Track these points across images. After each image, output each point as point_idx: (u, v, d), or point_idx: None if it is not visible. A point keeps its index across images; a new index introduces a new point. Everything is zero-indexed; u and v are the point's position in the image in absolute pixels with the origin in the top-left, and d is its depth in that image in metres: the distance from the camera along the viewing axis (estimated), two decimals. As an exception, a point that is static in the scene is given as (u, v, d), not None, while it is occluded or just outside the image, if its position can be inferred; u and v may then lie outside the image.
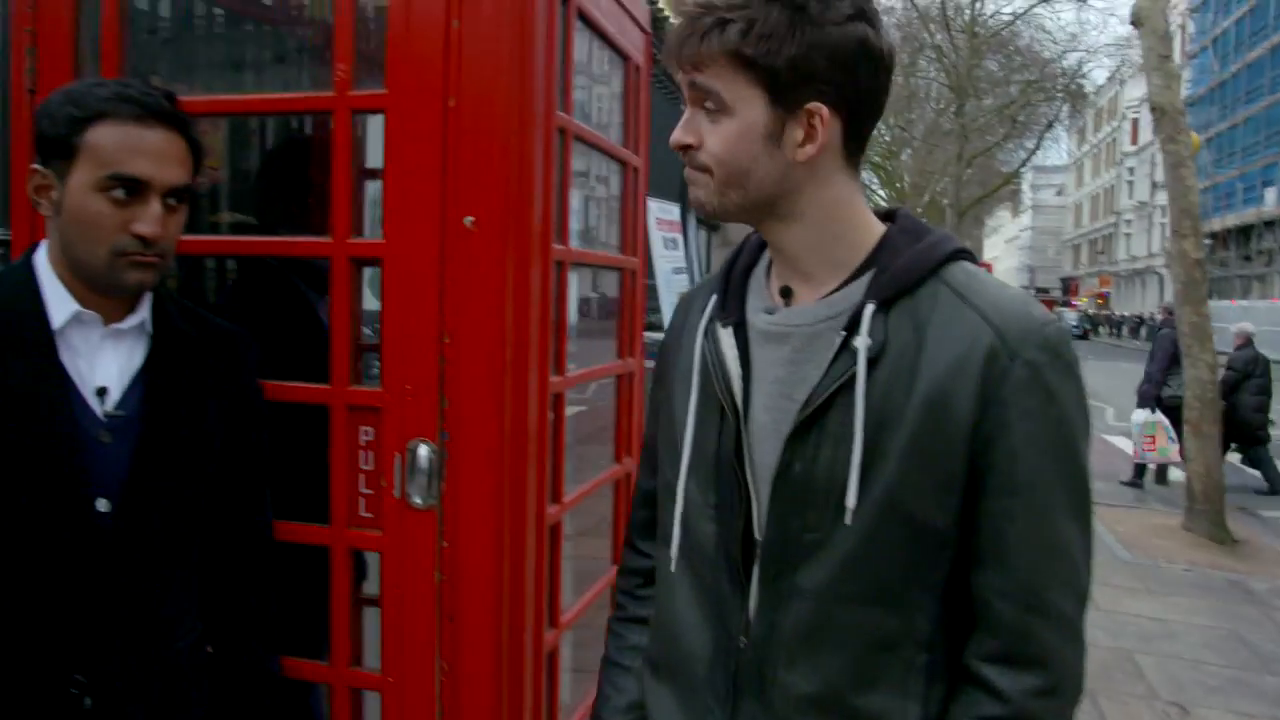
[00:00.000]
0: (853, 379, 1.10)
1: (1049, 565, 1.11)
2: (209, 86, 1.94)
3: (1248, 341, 10.06)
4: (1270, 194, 36.29)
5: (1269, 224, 37.34)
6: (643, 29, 2.28)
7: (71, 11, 1.76)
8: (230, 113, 1.70)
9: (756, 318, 1.23)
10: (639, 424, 2.40)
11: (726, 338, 1.22)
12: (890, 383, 1.09)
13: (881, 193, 45.67)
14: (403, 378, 1.62)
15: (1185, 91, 47.30)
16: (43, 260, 1.45)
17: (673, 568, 1.26)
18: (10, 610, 1.37)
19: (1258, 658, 5.27)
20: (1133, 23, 8.24)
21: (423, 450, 1.62)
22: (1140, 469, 10.10)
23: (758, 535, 1.18)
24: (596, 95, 2.51)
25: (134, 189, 1.38)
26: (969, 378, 1.07)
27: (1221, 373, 8.75)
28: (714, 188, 1.16)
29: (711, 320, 1.26)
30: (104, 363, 1.44)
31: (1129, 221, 61.51)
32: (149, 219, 1.38)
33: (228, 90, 1.80)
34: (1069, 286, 76.62)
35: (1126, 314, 53.53)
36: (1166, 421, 9.42)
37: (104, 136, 1.37)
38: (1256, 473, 10.07)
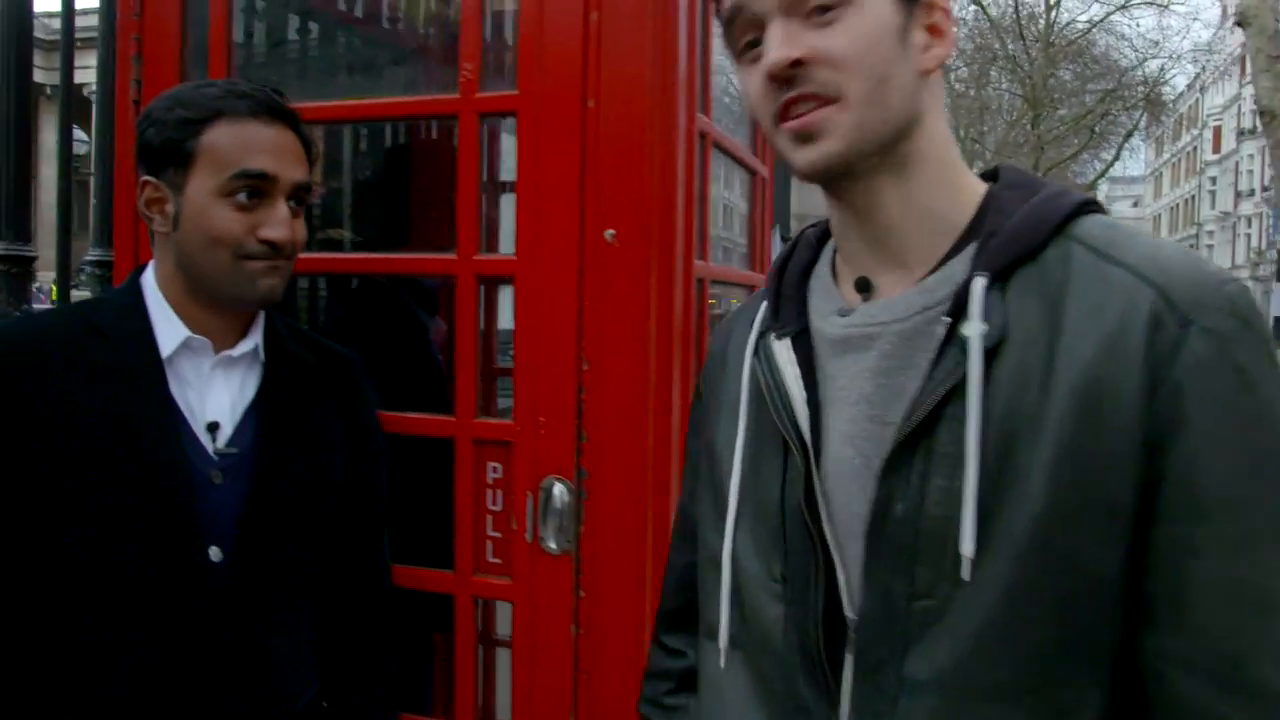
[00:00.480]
0: (964, 380, 0.80)
1: (1253, 623, 0.77)
2: (318, 94, 1.83)
3: None
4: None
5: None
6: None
7: (178, 18, 1.65)
8: (348, 119, 1.57)
9: (826, 323, 0.92)
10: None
11: (784, 351, 0.92)
12: (1018, 379, 0.79)
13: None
14: (536, 408, 1.46)
15: (1271, 98, 45.58)
16: (150, 283, 1.32)
17: (721, 665, 0.95)
18: (115, 666, 1.23)
19: None
20: (1238, 23, 7.89)
21: (558, 489, 1.45)
22: None
23: (848, 612, 0.86)
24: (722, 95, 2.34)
25: (258, 191, 1.26)
26: (1129, 357, 0.77)
27: None
28: (851, 114, 0.82)
29: (763, 334, 0.96)
30: (215, 394, 1.31)
31: (1211, 233, 59.61)
32: (277, 221, 1.26)
33: (337, 97, 1.67)
34: (1148, 301, 74.43)
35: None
36: None
37: (221, 136, 1.25)
38: None
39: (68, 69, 2.47)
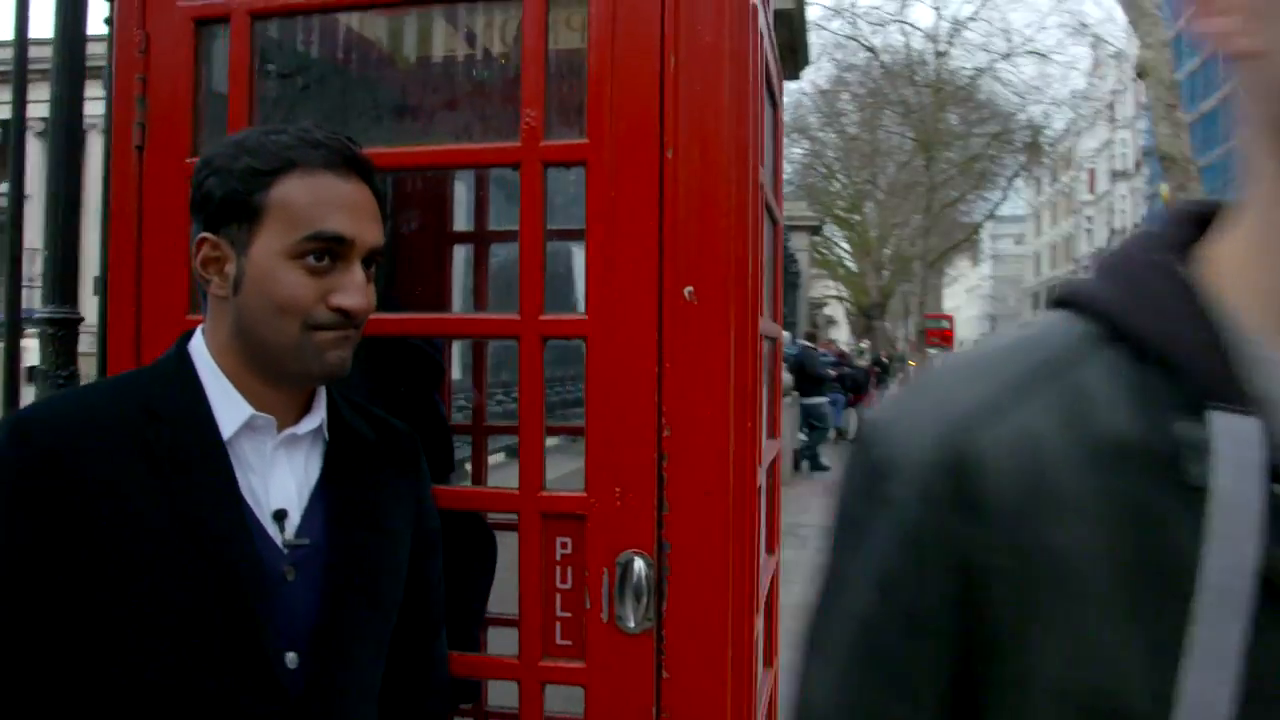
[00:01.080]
0: None
1: None
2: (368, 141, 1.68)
3: None
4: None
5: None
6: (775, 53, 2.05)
7: (190, 56, 1.51)
8: (391, 168, 1.44)
9: None
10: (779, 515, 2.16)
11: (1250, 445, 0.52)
12: None
13: (845, 245, 46.20)
14: (612, 478, 1.36)
15: (1142, 143, 48.42)
16: (202, 352, 1.17)
17: None
18: None
19: None
20: (1138, 75, 8.27)
21: (638, 564, 1.35)
22: None
23: None
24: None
25: (332, 254, 1.11)
26: None
27: None
28: None
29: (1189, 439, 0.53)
30: (279, 479, 1.16)
31: (1088, 269, 62.56)
32: (353, 288, 1.11)
33: (379, 144, 1.54)
34: (1032, 334, 77.62)
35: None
36: None
37: (295, 190, 1.10)
38: None
39: (20, 103, 2.26)
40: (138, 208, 1.54)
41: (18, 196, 2.22)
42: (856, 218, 43.51)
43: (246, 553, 1.09)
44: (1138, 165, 51.19)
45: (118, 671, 1.05)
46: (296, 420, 1.18)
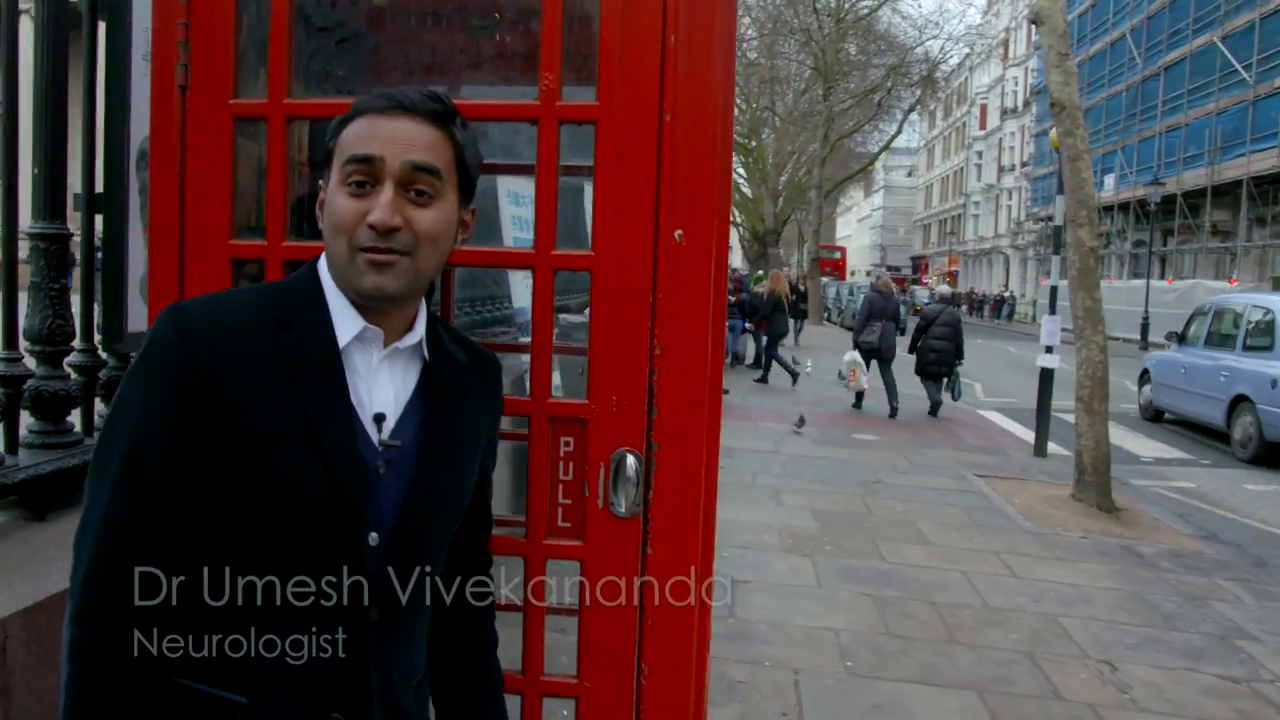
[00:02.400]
0: None
1: None
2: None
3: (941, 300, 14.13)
4: (1109, 180, 38.80)
5: (1107, 209, 39.94)
6: None
7: (232, 4, 1.68)
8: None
9: None
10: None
11: None
12: None
13: (742, 171, 46.60)
14: (611, 389, 1.64)
15: (1033, 81, 49.92)
16: (325, 270, 1.37)
17: None
18: (273, 643, 1.31)
19: (1161, 616, 5.76)
20: (1033, 22, 8.68)
21: (630, 460, 1.64)
22: (859, 396, 13.81)
23: None
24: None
25: (367, 177, 1.29)
26: None
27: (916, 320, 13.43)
28: None
29: None
30: (381, 387, 1.37)
31: (977, 203, 64.66)
32: (379, 206, 1.27)
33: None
34: (919, 265, 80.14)
35: (988, 293, 56.27)
36: (861, 361, 13.69)
37: (350, 130, 1.31)
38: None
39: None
40: (180, 143, 1.70)
41: (11, 110, 2.31)
42: (754, 144, 43.88)
43: (348, 450, 1.31)
44: (1027, 104, 52.82)
45: (237, 536, 1.30)
46: (400, 337, 1.39)
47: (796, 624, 5.25)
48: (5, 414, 2.29)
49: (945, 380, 13.40)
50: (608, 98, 1.60)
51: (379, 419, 1.35)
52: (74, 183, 2.52)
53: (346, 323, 1.35)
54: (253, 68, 1.69)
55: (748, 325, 18.40)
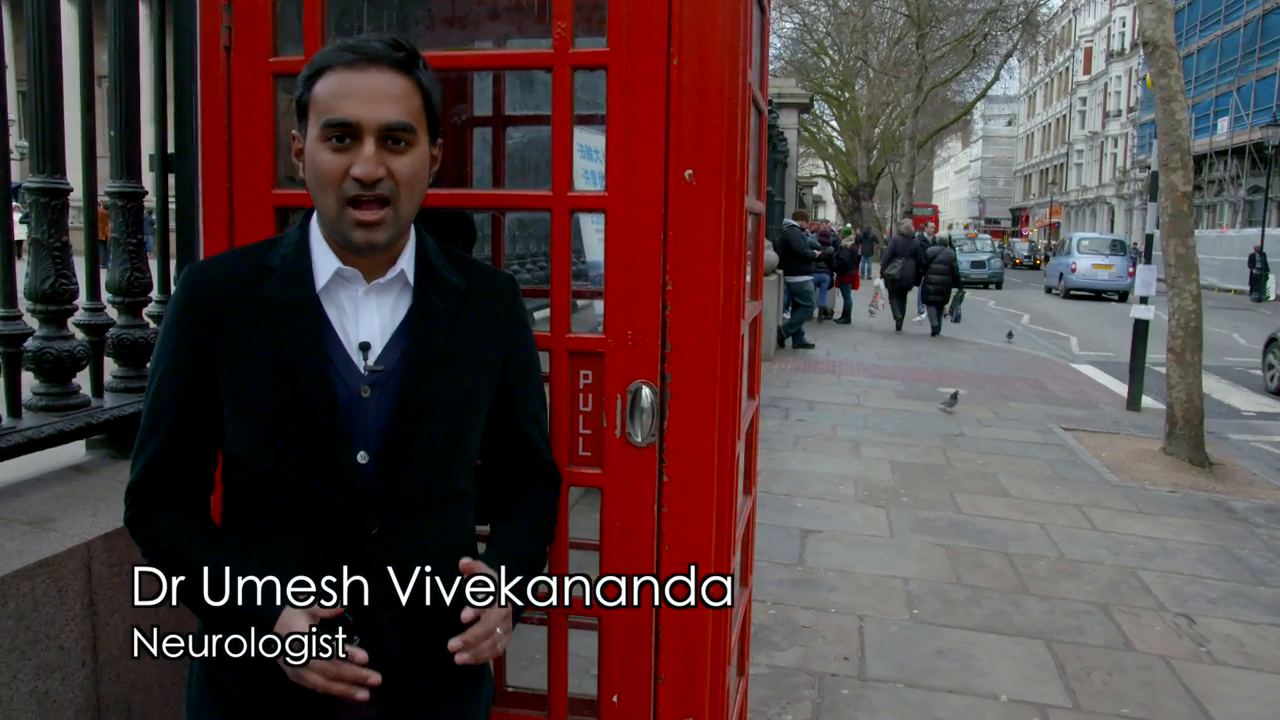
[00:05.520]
0: None
1: None
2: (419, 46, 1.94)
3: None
4: (1223, 124, 36.92)
5: (1220, 153, 38.02)
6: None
7: (270, -35, 1.78)
8: (446, 69, 1.73)
9: None
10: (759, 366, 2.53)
11: None
12: None
13: (834, 124, 45.71)
14: (626, 324, 1.71)
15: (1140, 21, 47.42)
16: (314, 222, 1.51)
17: None
18: (275, 556, 1.45)
19: (1249, 571, 5.60)
20: (1126, -43, 8.29)
21: (645, 391, 1.72)
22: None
23: None
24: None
25: (351, 134, 1.39)
26: None
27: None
28: None
29: None
30: (367, 318, 1.49)
31: (1080, 152, 62.27)
32: (362, 160, 1.38)
33: (438, 48, 1.82)
34: (1019, 217, 77.63)
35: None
36: (885, 289, 17.85)
37: (322, 87, 1.41)
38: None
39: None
40: (227, 101, 1.83)
41: (88, 78, 2.48)
42: (846, 95, 42.95)
43: (320, 378, 1.43)
44: (1134, 45, 50.43)
45: (241, 453, 1.47)
46: (383, 273, 1.50)
47: (865, 572, 5.28)
48: (91, 360, 2.48)
49: (944, 306, 16.89)
50: (617, 44, 1.66)
51: (364, 347, 1.47)
52: (148, 145, 2.70)
53: (325, 266, 1.48)
54: (293, 27, 1.80)
55: (835, 278, 18.25)
